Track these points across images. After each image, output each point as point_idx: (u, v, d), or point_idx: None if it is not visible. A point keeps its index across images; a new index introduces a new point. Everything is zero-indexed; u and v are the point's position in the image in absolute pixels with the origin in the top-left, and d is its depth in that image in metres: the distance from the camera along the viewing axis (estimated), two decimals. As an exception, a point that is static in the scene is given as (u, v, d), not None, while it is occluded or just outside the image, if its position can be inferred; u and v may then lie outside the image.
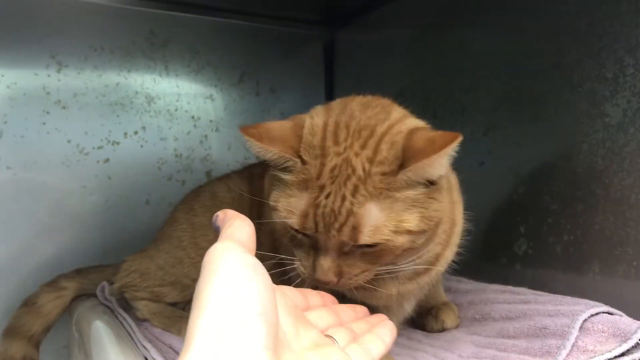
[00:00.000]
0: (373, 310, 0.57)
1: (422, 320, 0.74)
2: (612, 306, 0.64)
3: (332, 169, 0.51)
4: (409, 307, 0.69)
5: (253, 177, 0.80)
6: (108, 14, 1.09)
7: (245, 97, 1.24)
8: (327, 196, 0.50)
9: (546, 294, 0.71)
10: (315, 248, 0.53)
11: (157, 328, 0.71)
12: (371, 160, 0.51)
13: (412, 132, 0.53)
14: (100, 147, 1.09)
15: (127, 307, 0.77)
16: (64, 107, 1.05)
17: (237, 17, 1.22)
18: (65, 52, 1.04)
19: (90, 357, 0.68)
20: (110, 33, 1.09)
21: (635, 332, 0.56)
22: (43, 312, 0.84)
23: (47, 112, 1.03)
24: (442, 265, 0.64)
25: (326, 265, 0.52)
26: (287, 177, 0.53)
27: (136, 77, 1.13)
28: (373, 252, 0.52)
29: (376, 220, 0.50)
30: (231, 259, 0.36)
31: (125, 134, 1.11)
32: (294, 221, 0.52)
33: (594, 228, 0.76)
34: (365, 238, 0.50)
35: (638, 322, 0.58)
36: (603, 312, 0.61)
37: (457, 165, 0.72)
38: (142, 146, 1.13)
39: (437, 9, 1.06)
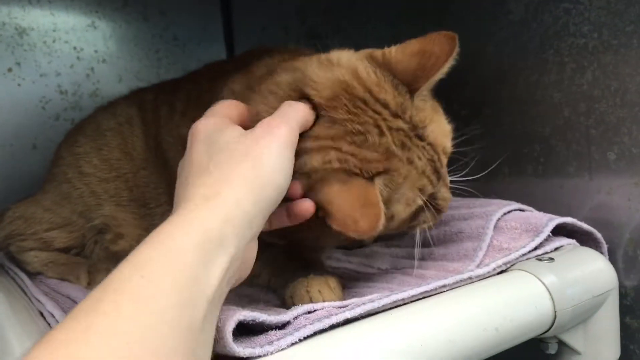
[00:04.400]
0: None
1: (340, 239, 0.72)
2: (523, 204, 0.64)
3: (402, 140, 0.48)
4: None
5: (144, 102, 0.74)
6: None
7: (132, 23, 1.12)
8: (419, 159, 0.49)
9: (460, 198, 0.70)
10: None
11: (53, 279, 0.65)
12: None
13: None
14: (-32, 89, 0.96)
15: (17, 261, 0.69)
16: None
17: None
18: None
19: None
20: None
21: (546, 225, 0.57)
22: None
23: None
24: None
25: (448, 194, 0.55)
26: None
27: (0, 6, 0.98)
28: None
29: (437, 126, 0.51)
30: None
31: (-3, 71, 0.98)
32: (429, 190, 0.50)
33: (502, 130, 0.76)
34: (448, 144, 0.53)
35: (548, 215, 0.59)
36: (515, 210, 0.62)
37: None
38: (19, 85, 1.00)
39: None
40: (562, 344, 0.55)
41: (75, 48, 1.06)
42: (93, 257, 0.70)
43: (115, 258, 0.68)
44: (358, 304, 0.43)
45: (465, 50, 0.80)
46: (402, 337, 0.42)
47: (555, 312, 0.50)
